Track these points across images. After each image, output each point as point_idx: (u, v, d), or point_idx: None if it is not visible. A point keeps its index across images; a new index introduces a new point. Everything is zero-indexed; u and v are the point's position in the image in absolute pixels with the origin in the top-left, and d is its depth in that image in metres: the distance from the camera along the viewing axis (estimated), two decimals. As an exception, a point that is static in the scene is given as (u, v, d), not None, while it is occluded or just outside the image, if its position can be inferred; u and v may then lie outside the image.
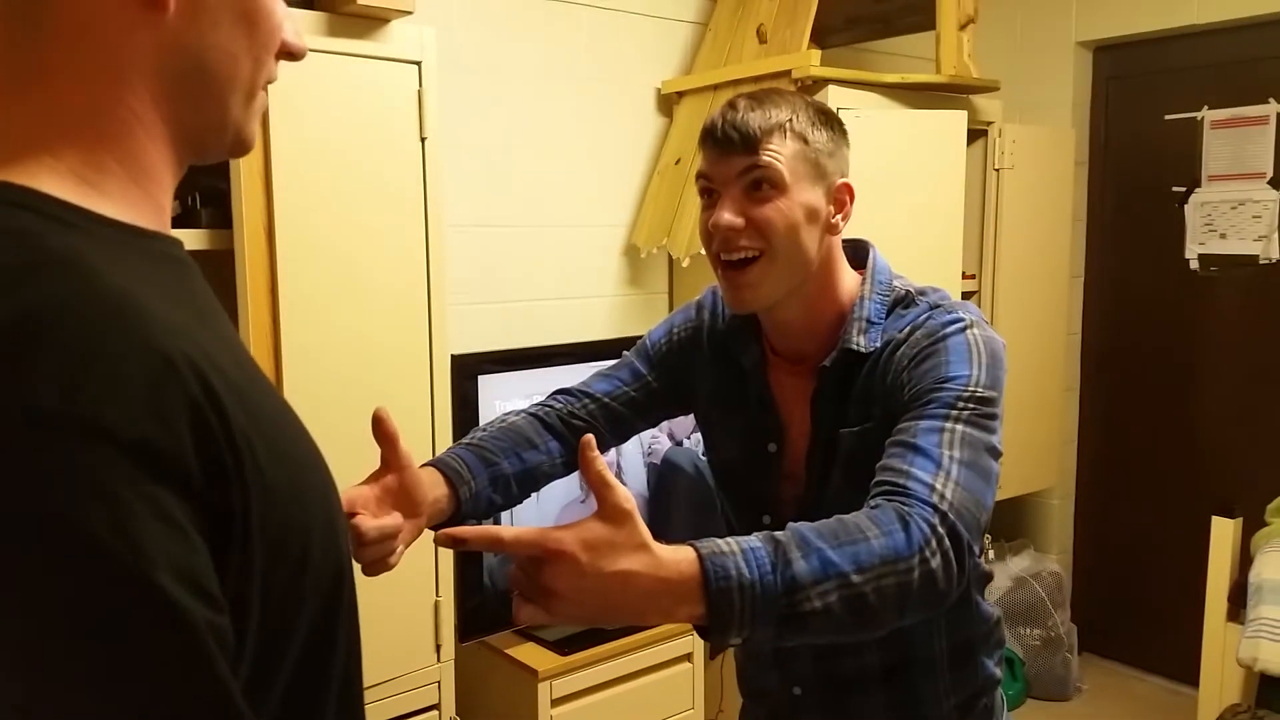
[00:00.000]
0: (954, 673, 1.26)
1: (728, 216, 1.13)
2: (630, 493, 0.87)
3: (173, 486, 0.49)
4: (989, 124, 2.83)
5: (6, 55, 0.57)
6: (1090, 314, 3.47)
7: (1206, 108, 3.10)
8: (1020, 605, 3.22)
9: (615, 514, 0.84)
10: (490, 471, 1.22)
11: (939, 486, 0.98)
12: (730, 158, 1.14)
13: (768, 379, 1.27)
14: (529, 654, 2.15)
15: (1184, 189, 3.17)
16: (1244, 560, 2.49)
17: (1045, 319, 3.08)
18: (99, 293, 0.50)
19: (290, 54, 0.67)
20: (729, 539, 0.89)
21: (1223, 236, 3.11)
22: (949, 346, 1.12)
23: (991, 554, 3.23)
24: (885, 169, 2.40)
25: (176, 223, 1.64)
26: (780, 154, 1.13)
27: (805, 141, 1.14)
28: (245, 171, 1.61)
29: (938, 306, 1.18)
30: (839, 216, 1.18)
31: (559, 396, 1.37)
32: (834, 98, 2.35)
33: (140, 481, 0.47)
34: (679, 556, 0.86)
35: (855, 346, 1.18)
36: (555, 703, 2.12)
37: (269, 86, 0.67)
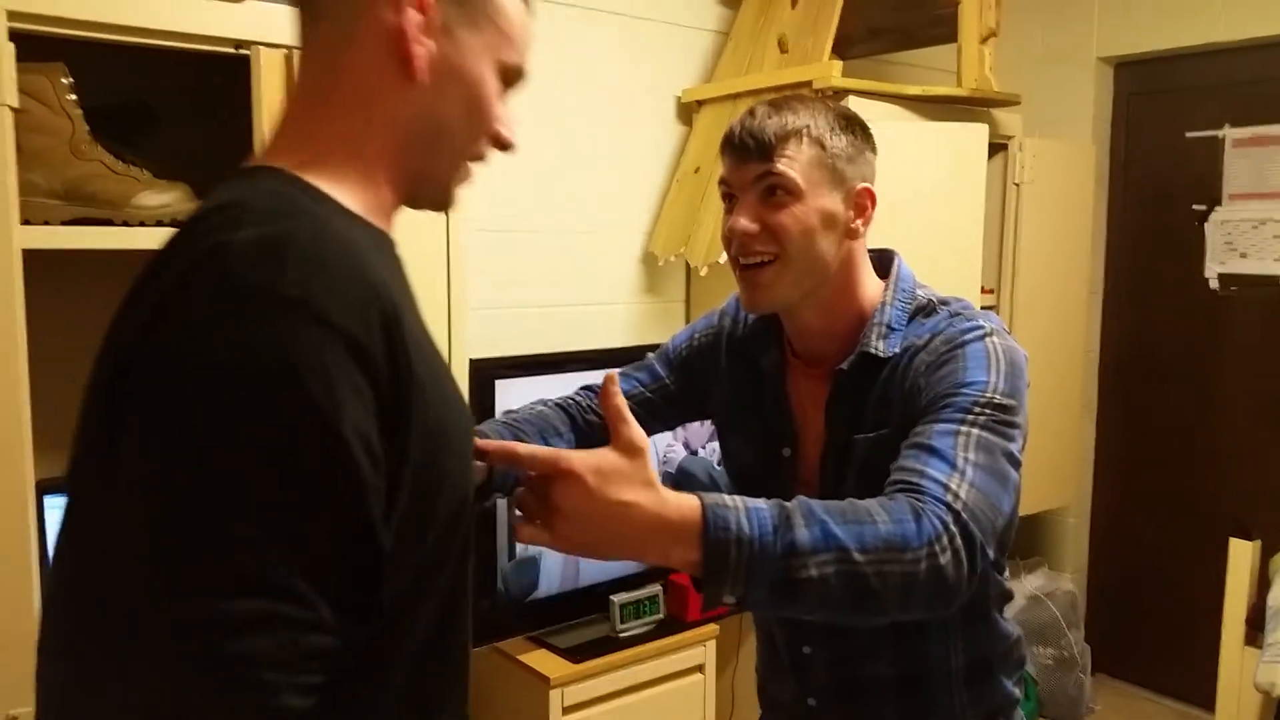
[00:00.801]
0: (970, 689, 1.25)
1: (743, 222, 1.15)
2: (644, 434, 0.89)
3: (365, 375, 0.65)
4: (1009, 138, 2.83)
5: (306, 101, 0.80)
6: (1108, 331, 3.45)
7: (1228, 126, 3.09)
8: (1034, 624, 3.20)
9: (628, 448, 0.87)
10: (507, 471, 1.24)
11: (953, 486, 0.97)
12: (747, 164, 1.16)
13: (785, 382, 1.28)
14: (541, 660, 2.14)
15: (1204, 207, 3.16)
16: (1262, 583, 2.47)
17: (1063, 335, 3.07)
18: (333, 233, 0.70)
19: (500, 143, 0.86)
20: (736, 497, 0.91)
21: (1243, 256, 3.10)
22: (967, 353, 1.11)
23: (1007, 572, 3.21)
24: (905, 181, 2.39)
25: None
26: (795, 160, 1.14)
27: (822, 147, 1.15)
28: (269, 172, 1.62)
29: (958, 315, 1.18)
30: (859, 221, 1.19)
31: (582, 392, 1.40)
32: (854, 109, 2.34)
33: (345, 363, 0.64)
34: (683, 501, 0.88)
35: (874, 350, 1.18)
36: (567, 710, 2.11)
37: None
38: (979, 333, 1.14)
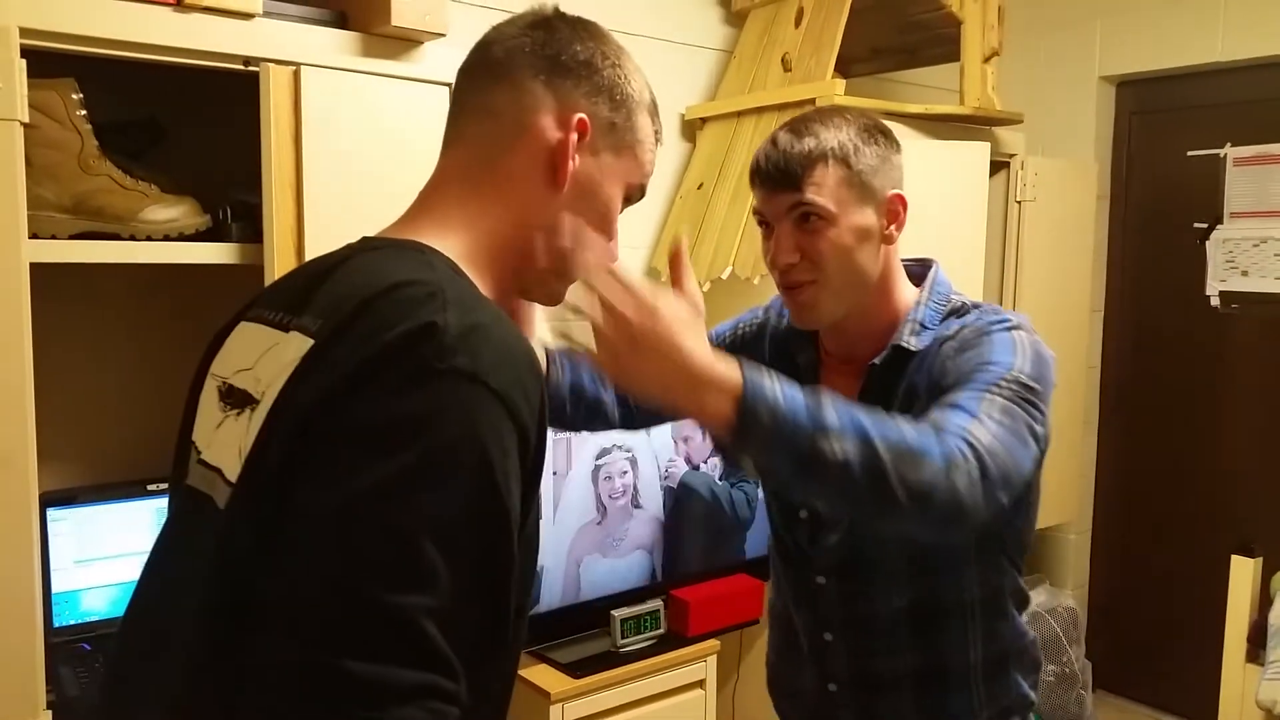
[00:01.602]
0: (988, 685, 1.27)
1: (784, 255, 1.19)
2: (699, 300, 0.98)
3: (523, 466, 0.74)
4: (1011, 156, 2.84)
5: (456, 188, 0.90)
6: (1110, 349, 3.46)
7: (1230, 144, 3.10)
8: (1035, 640, 3.19)
9: (695, 304, 0.95)
10: (573, 375, 1.30)
11: (974, 430, 1.00)
12: (777, 195, 1.18)
13: (819, 378, 1.31)
14: (541, 675, 2.14)
15: (1206, 225, 3.16)
16: (1264, 601, 2.46)
17: (1065, 353, 3.05)
18: (508, 321, 0.78)
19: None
20: (774, 373, 0.96)
21: (1244, 274, 3.10)
22: (994, 339, 1.15)
23: (1023, 575, 3.20)
24: (907, 199, 2.40)
25: (207, 236, 1.66)
26: (823, 185, 1.16)
27: (848, 165, 1.17)
28: (276, 186, 1.63)
29: (990, 312, 1.22)
30: (893, 227, 1.22)
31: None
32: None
33: (515, 456, 0.72)
34: (729, 361, 0.95)
35: (906, 345, 1.21)
36: (567, 726, 2.11)
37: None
38: (1008, 324, 1.18)
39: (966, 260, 2.52)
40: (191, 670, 0.75)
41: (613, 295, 0.92)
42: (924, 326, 1.22)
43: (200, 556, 0.78)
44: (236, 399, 0.82)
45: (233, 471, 0.78)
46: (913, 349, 1.21)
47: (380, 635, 0.65)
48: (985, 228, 2.56)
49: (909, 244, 2.48)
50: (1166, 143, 3.28)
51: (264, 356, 0.81)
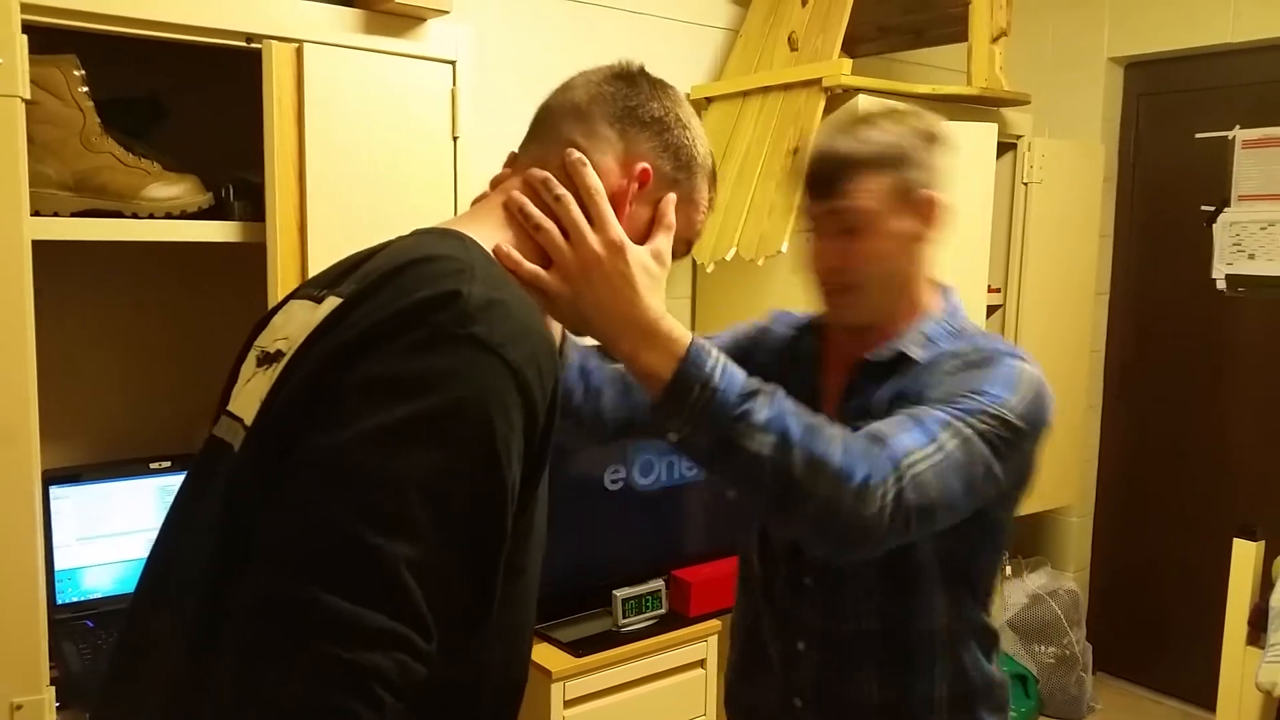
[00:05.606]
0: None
1: (825, 262, 1.19)
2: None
3: (528, 438, 0.76)
4: (1019, 137, 2.82)
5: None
6: (1115, 331, 3.45)
7: (1238, 127, 3.08)
8: (1035, 622, 3.20)
9: (662, 264, 0.96)
10: (583, 356, 1.27)
11: (914, 455, 0.99)
12: (818, 200, 1.18)
13: (815, 373, 1.30)
14: (543, 654, 2.15)
15: (1213, 208, 3.15)
16: (1265, 584, 2.46)
17: (1070, 335, 3.07)
18: (532, 304, 0.82)
19: None
20: (723, 354, 0.96)
21: (1251, 257, 3.09)
22: (999, 368, 1.13)
23: (1009, 570, 3.21)
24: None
25: (210, 214, 1.66)
26: (867, 194, 1.15)
27: (896, 173, 1.17)
28: (279, 165, 1.62)
29: (998, 340, 1.22)
30: (928, 228, 1.21)
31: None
32: (864, 107, 2.33)
33: (520, 425, 0.74)
34: (681, 325, 0.96)
35: (911, 354, 1.20)
36: (568, 704, 2.12)
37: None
38: (1016, 356, 1.16)
39: (973, 242, 2.51)
40: (195, 635, 0.76)
41: (590, 217, 0.92)
42: (931, 341, 1.21)
43: (213, 501, 0.80)
44: (269, 360, 0.85)
45: (251, 418, 0.81)
46: (918, 359, 1.19)
47: (359, 575, 0.66)
48: (992, 209, 2.55)
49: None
50: (1174, 125, 3.25)
51: (297, 321, 0.85)
